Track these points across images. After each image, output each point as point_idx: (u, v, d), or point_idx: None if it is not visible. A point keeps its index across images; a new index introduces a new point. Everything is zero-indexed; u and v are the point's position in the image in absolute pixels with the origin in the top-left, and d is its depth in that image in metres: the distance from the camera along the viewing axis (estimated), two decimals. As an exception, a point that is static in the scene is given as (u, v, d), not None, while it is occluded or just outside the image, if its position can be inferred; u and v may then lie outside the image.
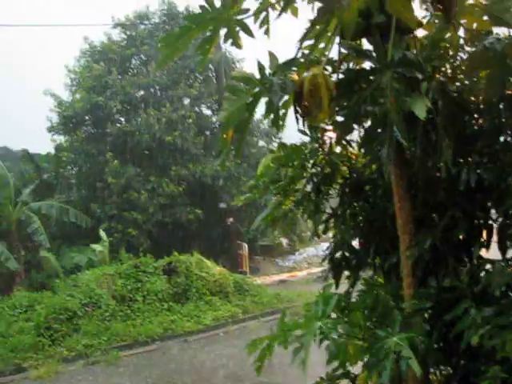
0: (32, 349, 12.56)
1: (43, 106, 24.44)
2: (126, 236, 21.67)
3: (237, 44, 2.78)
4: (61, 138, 25.39)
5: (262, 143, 25.99)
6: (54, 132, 24.87)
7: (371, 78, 2.41)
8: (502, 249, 2.74)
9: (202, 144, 23.40)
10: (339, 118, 2.73)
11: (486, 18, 2.73)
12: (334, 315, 2.82)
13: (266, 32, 2.89)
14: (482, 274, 2.66)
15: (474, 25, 2.77)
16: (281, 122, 2.67)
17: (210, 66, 24.86)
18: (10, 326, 13.47)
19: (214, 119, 25.95)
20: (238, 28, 2.71)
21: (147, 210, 22.07)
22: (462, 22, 2.73)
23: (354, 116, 2.45)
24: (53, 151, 25.13)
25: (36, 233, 19.28)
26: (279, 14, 2.72)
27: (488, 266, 2.68)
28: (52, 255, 19.54)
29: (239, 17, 2.70)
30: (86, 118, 24.16)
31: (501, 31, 2.65)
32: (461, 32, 2.76)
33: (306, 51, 2.85)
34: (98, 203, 22.67)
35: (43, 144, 26.03)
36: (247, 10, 2.71)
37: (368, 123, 2.52)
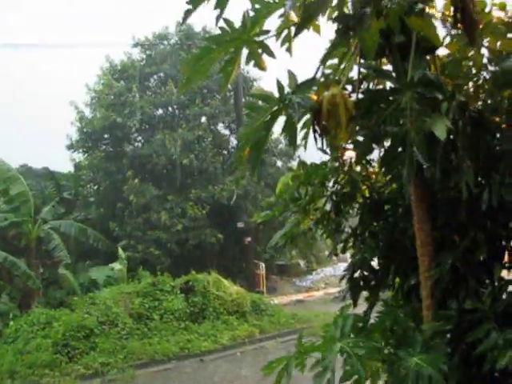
0: (49, 366, 12.61)
1: (64, 124, 24.78)
2: (147, 255, 21.70)
3: (259, 66, 2.78)
4: (80, 156, 25.73)
5: (279, 163, 26.01)
6: (73, 150, 25.18)
7: (391, 98, 2.40)
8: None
9: (220, 163, 23.45)
10: (359, 138, 2.73)
11: (510, 35, 2.72)
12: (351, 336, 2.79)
13: (288, 50, 2.89)
14: (504, 295, 2.62)
15: (498, 44, 2.76)
16: (303, 142, 2.67)
17: (229, 85, 24.93)
18: (27, 342, 13.52)
19: (232, 138, 26.06)
20: (259, 50, 2.72)
21: (170, 229, 22.10)
22: (485, 40, 2.72)
23: (374, 136, 2.44)
24: (71, 170, 25.42)
25: (57, 249, 19.38)
26: (297, 31, 2.69)
27: (510, 288, 2.64)
28: (70, 272, 19.64)
29: (260, 38, 2.71)
30: (105, 136, 24.40)
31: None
32: (484, 50, 2.76)
33: (327, 71, 2.86)
34: (117, 222, 22.78)
35: (62, 163, 26.28)
36: (268, 32, 2.72)
37: (388, 143, 2.52)
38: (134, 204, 22.28)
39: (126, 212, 22.76)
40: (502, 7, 2.84)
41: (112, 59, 25.68)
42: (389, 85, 2.61)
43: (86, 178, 24.64)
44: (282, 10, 2.83)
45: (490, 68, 2.75)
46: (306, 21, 2.61)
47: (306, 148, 2.81)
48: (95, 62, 29.51)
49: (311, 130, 2.64)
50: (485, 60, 2.77)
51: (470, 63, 2.78)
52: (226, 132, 26.56)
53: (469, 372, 2.60)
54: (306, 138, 2.71)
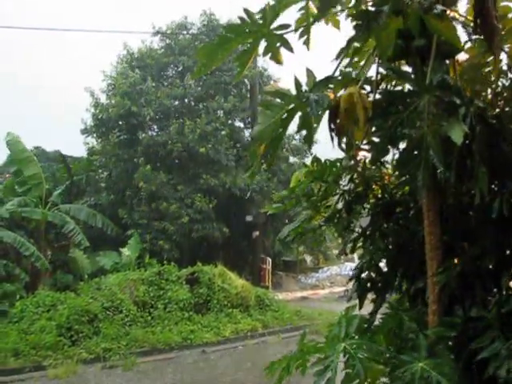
0: (52, 348, 12.73)
1: (78, 109, 24.90)
2: (154, 245, 21.78)
3: (276, 60, 2.78)
4: (93, 141, 25.83)
5: (292, 159, 26.00)
6: (87, 134, 25.29)
7: (409, 100, 2.39)
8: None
9: (234, 156, 23.49)
10: (374, 138, 2.72)
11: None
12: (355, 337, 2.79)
13: (306, 43, 2.88)
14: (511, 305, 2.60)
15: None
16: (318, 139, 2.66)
17: (246, 81, 25.04)
18: (32, 323, 13.65)
19: (246, 133, 26.07)
20: (278, 43, 2.72)
21: (177, 220, 22.17)
22: (506, 47, 2.70)
23: (390, 138, 2.43)
24: (85, 155, 25.53)
25: (73, 233, 19.45)
26: (316, 19, 2.67)
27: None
28: (83, 255, 19.76)
29: (279, 32, 2.70)
30: (120, 123, 24.49)
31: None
32: (503, 56, 2.73)
33: (345, 68, 2.84)
34: (126, 209, 22.86)
35: (76, 148, 26.46)
36: (288, 26, 2.71)
37: (403, 145, 2.50)
38: (144, 190, 22.33)
39: (135, 200, 22.83)
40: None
41: (130, 47, 25.75)
42: (407, 87, 2.60)
43: (98, 163, 24.70)
44: (302, 3, 2.83)
45: (510, 75, 2.73)
46: (324, 9, 2.60)
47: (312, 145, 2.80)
48: (113, 48, 29.60)
49: (327, 129, 2.64)
50: (504, 67, 2.75)
51: (489, 69, 2.75)
52: (241, 125, 26.59)
53: (471, 379, 2.59)
54: (314, 132, 2.69)
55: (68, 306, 14.01)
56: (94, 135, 25.34)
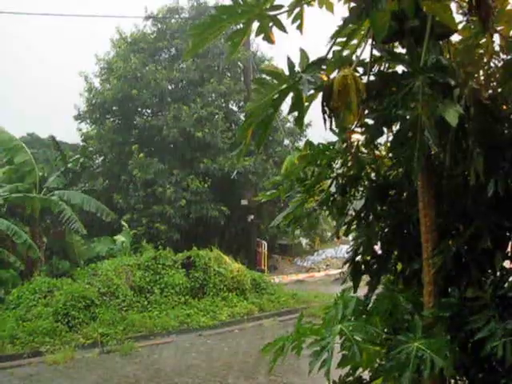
0: (49, 334, 12.78)
1: (70, 94, 24.74)
2: (151, 229, 21.80)
3: (268, 39, 2.76)
4: (87, 127, 25.69)
5: (286, 142, 25.98)
6: (80, 120, 25.16)
7: (403, 81, 2.37)
8: (527, 261, 2.70)
9: (229, 139, 23.46)
10: (368, 120, 2.71)
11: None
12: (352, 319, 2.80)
13: (299, 27, 2.86)
14: (506, 285, 2.61)
15: (511, 32, 2.72)
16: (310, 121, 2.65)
17: (239, 63, 24.95)
18: (29, 310, 13.69)
19: (241, 116, 26.00)
20: (270, 23, 2.70)
21: (174, 203, 22.16)
22: (498, 28, 2.68)
23: (384, 119, 2.42)
24: (79, 141, 25.43)
25: (70, 221, 19.39)
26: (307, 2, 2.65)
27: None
28: (79, 241, 19.74)
29: (272, 12, 2.68)
30: (114, 108, 24.35)
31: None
32: (496, 38, 2.72)
33: (338, 48, 2.82)
34: (121, 194, 22.84)
35: (70, 134, 26.33)
36: (281, 7, 2.69)
37: (397, 127, 2.49)
38: (138, 178, 22.32)
39: (131, 185, 22.81)
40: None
41: (123, 31, 25.55)
42: (401, 69, 2.58)
43: (92, 148, 24.60)
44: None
45: (503, 56, 2.71)
46: None
47: (304, 128, 2.79)
48: (103, 33, 29.25)
49: (320, 111, 2.62)
50: (497, 47, 2.73)
51: (482, 50, 2.74)
52: (236, 109, 26.52)
53: (466, 358, 2.61)
54: (305, 111, 2.67)
55: (65, 292, 14.04)
56: (88, 121, 25.19)
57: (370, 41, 2.69)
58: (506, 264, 2.75)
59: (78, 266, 17.72)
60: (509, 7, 2.69)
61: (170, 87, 24.84)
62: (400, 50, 2.72)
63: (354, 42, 2.79)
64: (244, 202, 23.96)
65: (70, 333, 13.06)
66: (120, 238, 20.00)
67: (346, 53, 2.87)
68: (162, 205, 22.11)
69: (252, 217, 24.16)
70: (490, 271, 2.75)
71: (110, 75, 24.28)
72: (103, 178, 24.54)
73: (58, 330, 12.95)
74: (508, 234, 2.77)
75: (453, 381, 2.90)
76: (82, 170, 24.12)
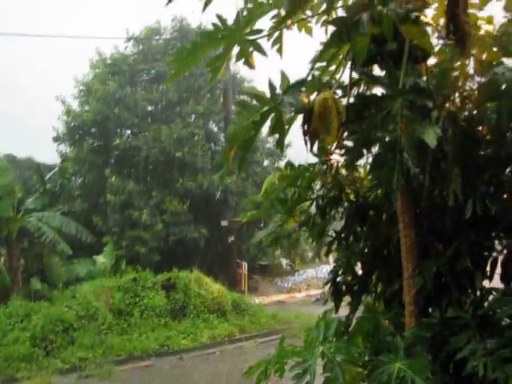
0: (26, 359, 12.54)
1: (50, 115, 24.61)
2: (130, 252, 21.62)
3: (249, 64, 2.79)
4: (66, 149, 25.53)
5: (266, 162, 26.06)
6: (59, 142, 25.01)
7: (382, 104, 2.41)
8: (506, 280, 2.73)
9: (209, 159, 23.46)
10: (347, 142, 2.74)
11: (495, 49, 2.75)
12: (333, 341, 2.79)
13: (279, 51, 2.90)
14: (486, 305, 2.64)
15: (484, 55, 2.79)
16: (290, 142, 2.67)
17: (219, 84, 25.09)
18: (5, 335, 13.43)
19: (221, 136, 26.07)
20: (250, 48, 2.73)
21: (151, 227, 22.04)
22: (473, 52, 2.74)
23: (364, 141, 2.45)
24: (58, 162, 25.21)
25: (54, 243, 19.13)
26: (284, 18, 2.70)
27: (491, 297, 2.66)
28: (58, 263, 19.48)
29: (252, 37, 2.71)
30: (93, 130, 24.26)
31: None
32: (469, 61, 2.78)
33: (317, 72, 2.86)
34: (100, 216, 22.67)
35: (49, 154, 26.13)
36: (260, 31, 2.72)
37: (377, 148, 2.52)
38: (113, 202, 22.21)
39: (109, 207, 22.64)
40: (489, 21, 2.90)
41: (103, 52, 25.55)
42: (380, 91, 2.62)
43: (71, 170, 24.45)
44: (274, 11, 2.86)
45: (477, 79, 2.77)
46: (290, 12, 2.63)
47: (284, 150, 2.82)
48: (82, 55, 29.20)
49: (301, 133, 2.64)
50: (471, 71, 2.79)
51: (457, 73, 2.80)
52: (215, 129, 26.57)
53: (448, 378, 2.62)
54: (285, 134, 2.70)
55: (42, 316, 13.81)
56: (67, 143, 25.05)
57: (349, 64, 2.74)
58: (486, 283, 2.78)
59: (57, 289, 17.45)
60: (481, 33, 2.77)
61: (149, 108, 24.83)
62: (378, 72, 2.77)
63: (332, 64, 2.82)
64: (224, 223, 23.91)
65: (47, 358, 12.84)
66: (100, 258, 19.80)
67: (324, 75, 2.91)
68: (138, 229, 21.95)
69: (232, 238, 24.11)
70: (470, 291, 2.78)
71: (88, 97, 24.20)
72: (82, 200, 24.33)
73: (34, 354, 12.72)
74: (487, 253, 2.81)
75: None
76: (61, 191, 23.92)
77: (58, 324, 13.57)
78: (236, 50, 2.77)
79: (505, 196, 2.65)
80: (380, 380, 2.43)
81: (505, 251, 2.73)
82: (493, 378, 2.30)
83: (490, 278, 2.82)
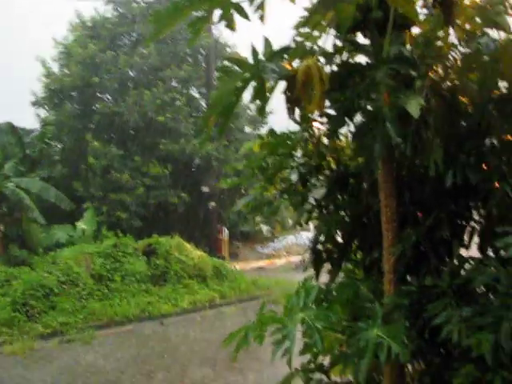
0: (7, 324, 12.50)
1: (29, 79, 24.12)
2: (111, 217, 21.51)
3: (231, 27, 2.75)
4: (45, 113, 25.09)
5: (248, 129, 25.95)
6: (37, 106, 24.56)
7: (366, 72, 2.40)
8: (482, 249, 2.77)
9: (192, 125, 23.27)
10: (330, 111, 2.73)
11: (479, 19, 2.74)
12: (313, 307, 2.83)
13: (261, 17, 2.86)
14: (462, 273, 2.68)
15: (467, 25, 2.77)
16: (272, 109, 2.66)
17: (201, 50, 24.75)
18: (-15, 300, 13.37)
19: (202, 102, 25.83)
20: (232, 10, 2.68)
21: (133, 191, 21.93)
22: (457, 22, 2.73)
23: (347, 110, 2.45)
24: (37, 127, 24.82)
25: (28, 209, 18.95)
26: None
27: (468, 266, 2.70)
28: (37, 229, 19.34)
29: (234, 0, 2.67)
30: (73, 94, 23.86)
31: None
32: (452, 31, 2.77)
33: (300, 38, 2.83)
34: (81, 182, 22.46)
35: (29, 121, 25.67)
36: (243, -6, 2.68)
37: (359, 117, 2.52)
38: (94, 167, 22.00)
39: (90, 172, 22.43)
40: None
41: (82, 15, 24.97)
42: (363, 60, 2.60)
43: (50, 135, 24.06)
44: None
45: (460, 49, 2.76)
46: None
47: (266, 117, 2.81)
48: (62, 16, 28.43)
49: (284, 100, 2.63)
50: (455, 41, 2.78)
51: (440, 43, 2.78)
52: (197, 95, 26.30)
53: (424, 344, 2.68)
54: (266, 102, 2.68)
55: (23, 281, 13.75)
56: (46, 107, 24.62)
57: (332, 31, 2.71)
58: (463, 252, 2.82)
59: (37, 254, 17.36)
60: (466, 2, 2.75)
61: (131, 73, 24.44)
62: (362, 40, 2.75)
63: (316, 33, 2.79)
64: (205, 189, 23.89)
65: (28, 323, 12.81)
66: (80, 224, 19.70)
67: (307, 42, 2.88)
68: (120, 193, 21.82)
69: (213, 204, 24.11)
70: (447, 259, 2.82)
71: (68, 61, 23.70)
72: (62, 165, 24.05)
73: (16, 320, 12.69)
74: (465, 223, 2.85)
75: (410, 366, 2.98)
76: (41, 156, 23.60)
77: (39, 289, 13.53)
78: (218, 13, 2.72)
79: (484, 167, 2.68)
80: (358, 346, 2.48)
81: (482, 221, 2.77)
82: (466, 344, 2.35)
83: (467, 247, 2.87)
